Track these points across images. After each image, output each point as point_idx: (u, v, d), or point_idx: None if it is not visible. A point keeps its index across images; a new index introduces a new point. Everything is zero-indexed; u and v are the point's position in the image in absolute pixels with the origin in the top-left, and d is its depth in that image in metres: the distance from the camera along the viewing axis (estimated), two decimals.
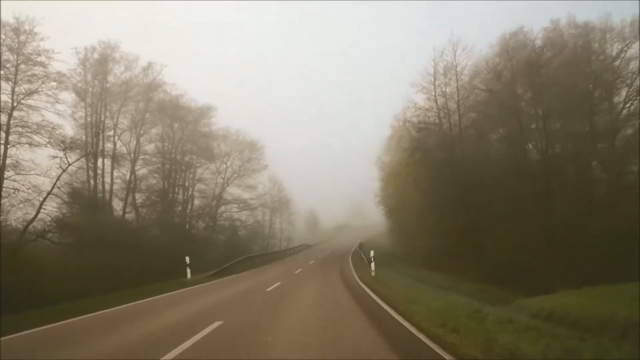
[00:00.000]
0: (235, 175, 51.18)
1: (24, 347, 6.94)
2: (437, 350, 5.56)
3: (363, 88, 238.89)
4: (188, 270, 20.13)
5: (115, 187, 33.93)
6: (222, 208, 50.69)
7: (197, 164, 44.15)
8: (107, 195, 33.16)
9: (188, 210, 42.86)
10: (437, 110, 27.95)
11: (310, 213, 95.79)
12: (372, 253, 20.42)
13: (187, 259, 20.52)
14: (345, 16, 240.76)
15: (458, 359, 5.18)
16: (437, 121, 28.63)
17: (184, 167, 41.77)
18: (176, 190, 40.62)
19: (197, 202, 46.52)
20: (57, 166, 25.37)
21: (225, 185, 50.71)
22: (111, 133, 33.03)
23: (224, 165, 50.41)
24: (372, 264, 20.03)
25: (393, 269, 22.81)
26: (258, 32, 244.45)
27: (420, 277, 20.04)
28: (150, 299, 13.24)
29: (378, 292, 12.80)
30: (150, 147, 37.61)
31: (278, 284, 16.37)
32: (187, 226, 41.39)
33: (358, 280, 17.54)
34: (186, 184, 42.70)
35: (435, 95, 28.37)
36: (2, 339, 7.16)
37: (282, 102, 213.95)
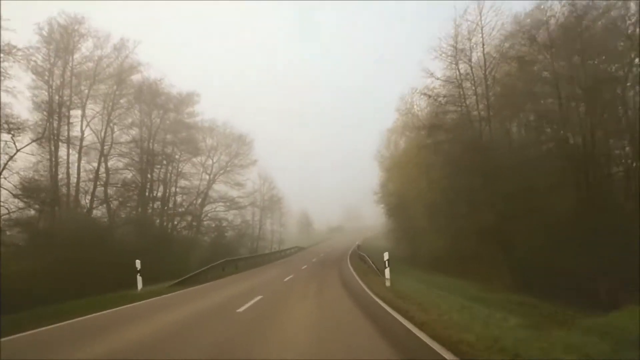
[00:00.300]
0: (222, 172, 47.38)
1: None
2: None
3: (360, 89, 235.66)
4: (139, 280, 15.69)
5: (85, 180, 30.05)
6: (208, 207, 46.86)
7: (180, 158, 40.30)
8: (73, 190, 29.25)
9: (167, 208, 38.96)
10: (459, 80, 23.90)
11: (303, 214, 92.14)
12: (385, 256, 15.69)
13: (138, 263, 15.84)
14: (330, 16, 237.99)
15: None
16: (460, 92, 24.25)
17: (164, 161, 37.87)
18: (155, 186, 36.67)
19: (179, 199, 42.75)
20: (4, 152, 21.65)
21: (211, 182, 46.88)
22: (78, 119, 29.16)
23: (210, 161, 46.61)
24: (387, 271, 15.36)
25: (405, 274, 19.01)
26: (254, 27, 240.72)
27: (442, 285, 16.31)
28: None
29: (408, 314, 8.61)
30: (125, 137, 33.67)
31: (258, 298, 12.39)
32: (167, 225, 37.46)
33: (370, 292, 13.33)
34: (167, 179, 38.76)
35: (456, 62, 24.13)
36: None
37: (271, 104, 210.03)
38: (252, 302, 11.58)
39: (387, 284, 15.06)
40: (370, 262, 21.80)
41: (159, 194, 37.90)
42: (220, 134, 46.87)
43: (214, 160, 46.72)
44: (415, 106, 25.38)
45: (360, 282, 17.05)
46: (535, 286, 16.67)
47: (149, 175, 34.47)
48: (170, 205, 39.00)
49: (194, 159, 43.16)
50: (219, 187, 47.79)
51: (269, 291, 14.83)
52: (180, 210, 41.68)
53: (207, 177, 46.39)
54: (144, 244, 27.86)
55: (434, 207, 26.55)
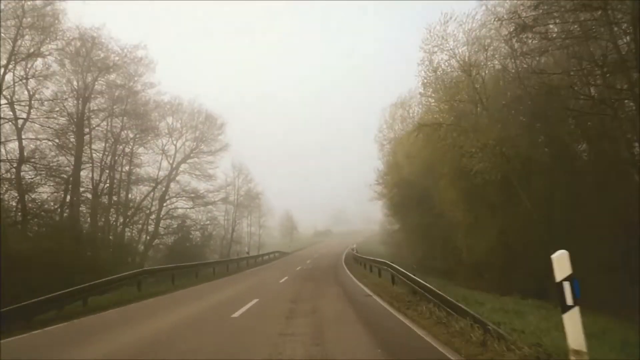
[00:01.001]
0: (187, 159, 38.85)
1: None
2: None
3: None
4: None
5: None
6: (169, 202, 38.25)
7: (129, 139, 31.67)
8: None
9: (113, 202, 30.26)
10: None
11: (287, 216, 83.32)
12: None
13: None
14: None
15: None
16: None
17: (108, 139, 29.24)
18: (91, 171, 27.94)
19: (133, 194, 34.14)
20: None
21: (174, 172, 38.34)
22: None
23: (173, 146, 38.10)
24: None
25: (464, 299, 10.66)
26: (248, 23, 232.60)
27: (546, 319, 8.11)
28: None
29: None
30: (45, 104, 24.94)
31: None
32: (105, 223, 28.69)
33: None
34: (112, 164, 30.06)
35: None
36: None
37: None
38: None
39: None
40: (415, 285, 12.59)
41: (106, 186, 29.22)
42: (186, 115, 38.47)
43: (178, 146, 38.28)
44: (451, 41, 17.22)
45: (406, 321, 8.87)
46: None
47: (78, 154, 25.69)
48: (112, 198, 30.21)
49: (152, 142, 34.66)
50: (185, 179, 39.34)
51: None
52: (131, 206, 33.03)
53: (168, 164, 37.93)
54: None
55: (464, 196, 18.72)
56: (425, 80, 19.52)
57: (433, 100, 20.14)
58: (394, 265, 15.43)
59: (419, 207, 26.01)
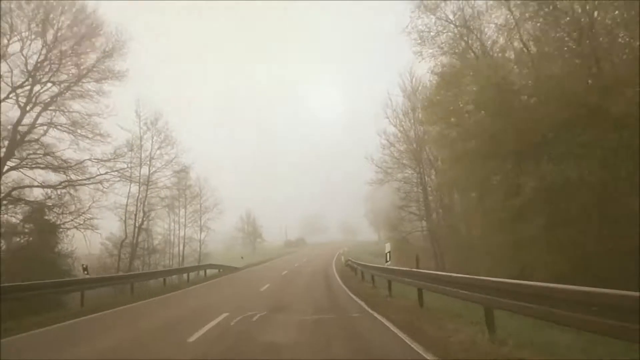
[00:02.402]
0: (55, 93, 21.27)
1: None
2: None
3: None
4: None
5: None
6: (16, 175, 20.70)
7: None
8: None
9: None
10: None
11: (248, 219, 64.30)
12: None
13: None
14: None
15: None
16: None
17: None
18: None
19: None
20: None
21: (24, 114, 20.67)
22: None
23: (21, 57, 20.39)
24: None
25: None
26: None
27: None
28: None
29: None
30: None
31: None
32: None
33: None
34: None
35: None
36: None
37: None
38: None
39: None
40: None
41: None
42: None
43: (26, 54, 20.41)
44: None
45: None
46: None
47: None
48: None
49: None
50: (50, 140, 21.64)
51: None
52: None
53: (14, 101, 20.18)
54: None
55: None
56: None
57: None
58: None
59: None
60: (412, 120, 27.03)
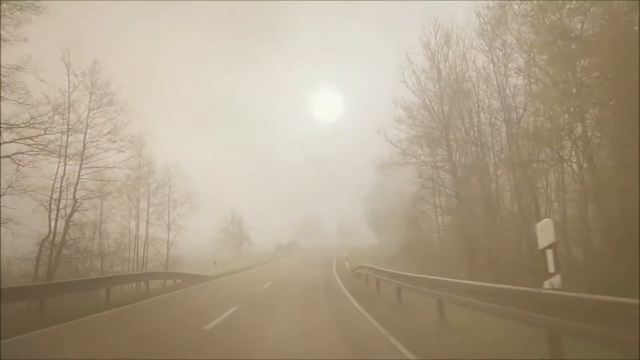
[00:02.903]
0: None
1: None
2: None
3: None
4: None
5: None
6: None
7: None
8: None
9: None
10: None
11: (233, 219, 56.84)
12: None
13: None
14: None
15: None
16: None
17: None
18: None
19: None
20: None
21: None
22: None
23: None
24: None
25: None
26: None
27: None
28: None
29: None
30: None
31: None
32: None
33: None
34: None
35: None
36: None
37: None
38: None
39: None
40: None
41: None
42: None
43: None
44: None
45: None
46: None
47: None
48: None
49: None
50: None
51: None
52: None
53: None
54: None
55: None
56: None
57: None
58: None
59: None
60: (439, 85, 20.65)
